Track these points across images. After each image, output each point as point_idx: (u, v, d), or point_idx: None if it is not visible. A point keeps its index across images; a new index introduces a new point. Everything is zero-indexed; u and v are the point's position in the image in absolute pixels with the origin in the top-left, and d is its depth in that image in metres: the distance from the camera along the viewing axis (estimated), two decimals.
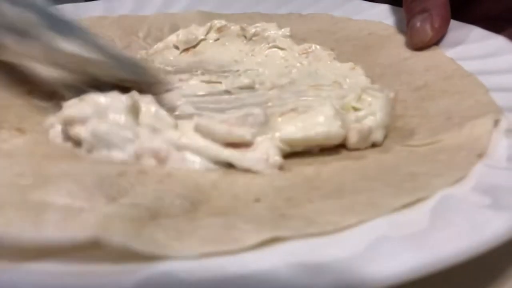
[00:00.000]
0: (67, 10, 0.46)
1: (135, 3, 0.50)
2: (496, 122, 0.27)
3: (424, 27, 0.38)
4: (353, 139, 0.26)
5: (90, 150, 0.25)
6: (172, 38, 0.41)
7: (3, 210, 0.18)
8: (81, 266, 0.17)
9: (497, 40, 0.36)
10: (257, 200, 0.22)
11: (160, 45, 0.41)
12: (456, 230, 0.18)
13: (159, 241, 0.17)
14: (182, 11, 0.50)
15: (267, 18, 0.47)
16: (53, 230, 0.17)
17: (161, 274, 0.16)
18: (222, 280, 0.16)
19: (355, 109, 0.28)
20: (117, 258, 0.17)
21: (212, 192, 0.22)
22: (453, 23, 0.39)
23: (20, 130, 0.28)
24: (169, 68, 0.38)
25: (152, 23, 0.47)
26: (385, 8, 0.46)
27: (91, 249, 0.17)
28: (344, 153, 0.27)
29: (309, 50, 0.38)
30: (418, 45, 0.39)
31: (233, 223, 0.19)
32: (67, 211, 0.19)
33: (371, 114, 0.27)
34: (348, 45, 0.42)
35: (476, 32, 0.38)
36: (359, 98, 0.28)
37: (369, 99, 0.28)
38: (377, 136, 0.27)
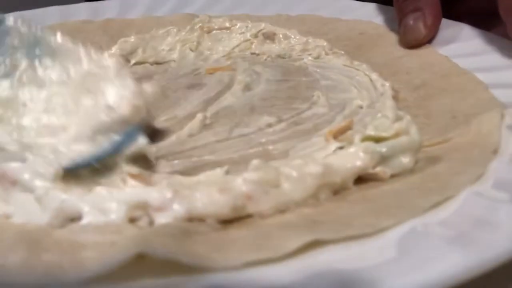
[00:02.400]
0: (52, 13, 0.46)
1: (121, 6, 0.49)
2: (501, 118, 0.27)
3: (417, 25, 0.39)
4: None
5: None
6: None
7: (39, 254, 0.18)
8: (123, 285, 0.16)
9: (488, 38, 0.37)
10: (282, 211, 0.21)
11: None
12: (499, 230, 0.18)
13: (200, 253, 0.17)
14: (169, 14, 0.49)
15: (256, 19, 0.47)
16: (95, 263, 0.17)
17: (209, 286, 0.16)
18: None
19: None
20: (161, 273, 0.16)
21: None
22: (443, 21, 0.40)
23: None
24: None
25: (139, 28, 0.46)
26: (373, 7, 0.47)
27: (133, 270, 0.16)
28: None
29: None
30: (411, 43, 0.39)
31: (269, 232, 0.19)
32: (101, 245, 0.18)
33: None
34: (340, 46, 0.42)
35: (467, 30, 0.39)
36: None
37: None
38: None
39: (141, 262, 0.16)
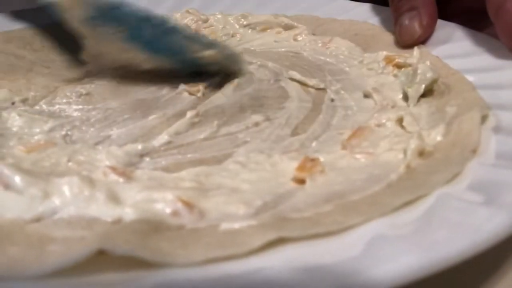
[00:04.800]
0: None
1: None
2: (484, 118, 0.27)
3: (413, 24, 0.38)
4: None
5: None
6: None
7: (5, 247, 0.18)
8: (87, 279, 0.16)
9: (479, 38, 0.37)
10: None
11: None
12: (456, 230, 0.18)
13: (163, 249, 0.17)
14: (167, 13, 0.49)
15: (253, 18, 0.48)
16: (57, 257, 0.17)
17: (165, 282, 0.16)
18: (226, 285, 0.16)
19: None
20: (122, 268, 0.16)
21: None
22: (438, 22, 0.40)
23: None
24: None
25: None
26: (369, 7, 0.47)
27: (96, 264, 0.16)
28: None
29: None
30: (407, 43, 0.39)
31: (238, 229, 0.19)
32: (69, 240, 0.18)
33: None
34: None
35: (459, 30, 0.39)
36: None
37: None
38: None
39: (105, 257, 0.17)
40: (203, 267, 0.17)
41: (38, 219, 0.21)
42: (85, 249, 0.16)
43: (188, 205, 0.21)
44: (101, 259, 0.17)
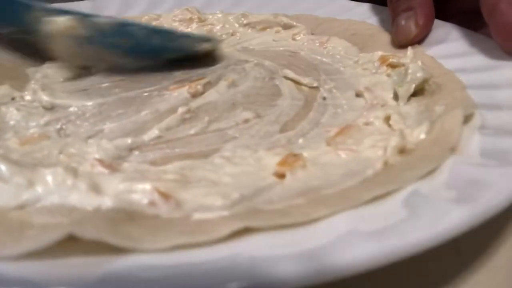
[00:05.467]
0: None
1: (121, 3, 0.51)
2: (469, 117, 0.27)
3: (409, 24, 0.39)
4: None
5: None
6: None
7: None
8: (58, 261, 0.17)
9: (474, 38, 0.37)
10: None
11: None
12: (417, 223, 0.18)
13: (133, 235, 0.18)
14: (168, 12, 0.50)
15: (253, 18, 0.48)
16: (32, 240, 0.18)
17: (126, 267, 0.17)
18: (190, 272, 0.16)
19: None
20: (91, 253, 0.17)
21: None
22: (435, 21, 0.40)
23: None
24: None
25: None
26: (368, 7, 0.47)
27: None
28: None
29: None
30: (402, 43, 0.39)
31: (209, 219, 0.19)
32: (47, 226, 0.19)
33: None
34: None
35: (454, 30, 0.39)
36: None
37: None
38: None
39: (77, 242, 0.17)
40: (170, 254, 0.17)
41: (21, 207, 0.22)
42: (57, 233, 0.17)
43: (165, 195, 0.22)
44: (78, 244, 0.18)
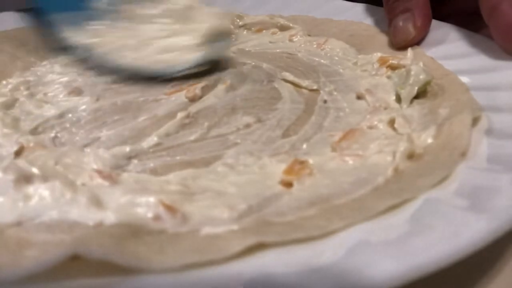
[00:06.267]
0: None
1: None
2: (476, 120, 0.27)
3: (407, 26, 0.38)
4: None
5: None
6: None
7: None
8: (63, 284, 0.16)
9: (474, 39, 0.37)
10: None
11: None
12: (437, 236, 0.17)
13: (140, 254, 0.17)
14: None
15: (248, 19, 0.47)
16: (32, 261, 0.17)
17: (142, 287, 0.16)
18: None
19: None
20: (100, 273, 0.16)
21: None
22: (433, 22, 0.40)
23: None
24: None
25: None
26: (365, 8, 0.46)
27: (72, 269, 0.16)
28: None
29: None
30: (401, 44, 0.39)
31: (218, 234, 0.18)
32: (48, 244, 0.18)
33: None
34: None
35: (453, 31, 0.38)
36: None
37: None
38: None
39: (80, 262, 0.16)
40: (180, 273, 0.16)
41: (18, 223, 0.21)
42: (60, 253, 0.16)
43: (171, 209, 0.21)
44: (80, 263, 0.17)
